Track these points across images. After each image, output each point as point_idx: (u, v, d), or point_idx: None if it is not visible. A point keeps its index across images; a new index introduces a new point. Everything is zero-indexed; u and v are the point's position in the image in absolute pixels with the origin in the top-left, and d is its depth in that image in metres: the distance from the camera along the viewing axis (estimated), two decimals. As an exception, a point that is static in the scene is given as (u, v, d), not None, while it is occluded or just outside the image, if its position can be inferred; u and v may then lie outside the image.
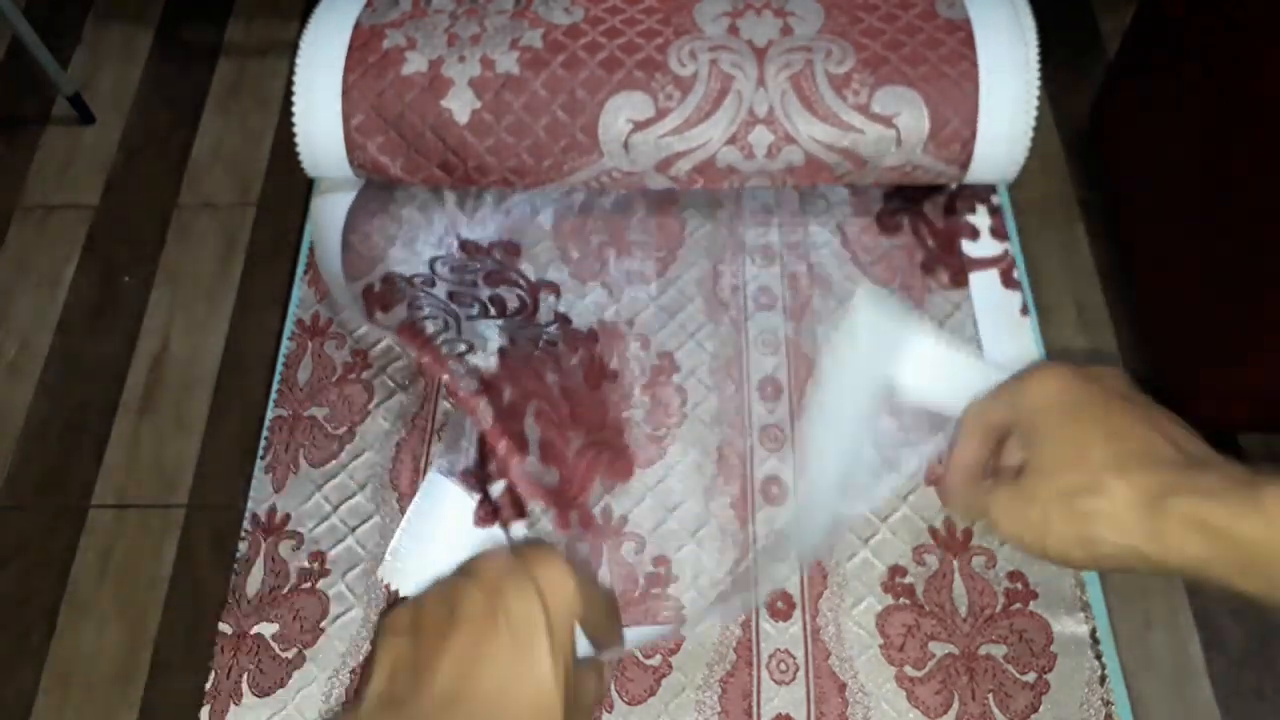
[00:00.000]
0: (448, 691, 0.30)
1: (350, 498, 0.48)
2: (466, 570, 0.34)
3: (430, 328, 0.47)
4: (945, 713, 0.42)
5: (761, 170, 0.48)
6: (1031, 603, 0.44)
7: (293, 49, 0.48)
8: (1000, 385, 0.38)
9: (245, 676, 0.43)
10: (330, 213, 0.53)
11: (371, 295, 0.51)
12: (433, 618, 0.32)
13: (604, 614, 0.36)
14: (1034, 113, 0.46)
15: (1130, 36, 1.25)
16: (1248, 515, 0.30)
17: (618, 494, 0.47)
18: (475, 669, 0.31)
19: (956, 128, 0.46)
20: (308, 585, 0.46)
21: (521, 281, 0.53)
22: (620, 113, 0.46)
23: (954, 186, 0.54)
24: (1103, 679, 0.42)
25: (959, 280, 0.52)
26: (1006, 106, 0.46)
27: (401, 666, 0.32)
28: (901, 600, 0.44)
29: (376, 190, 0.55)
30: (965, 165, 0.48)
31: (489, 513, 0.42)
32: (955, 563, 0.45)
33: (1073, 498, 0.33)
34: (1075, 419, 0.35)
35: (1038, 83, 0.46)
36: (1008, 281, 0.52)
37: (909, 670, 0.43)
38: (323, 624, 0.45)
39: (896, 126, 0.46)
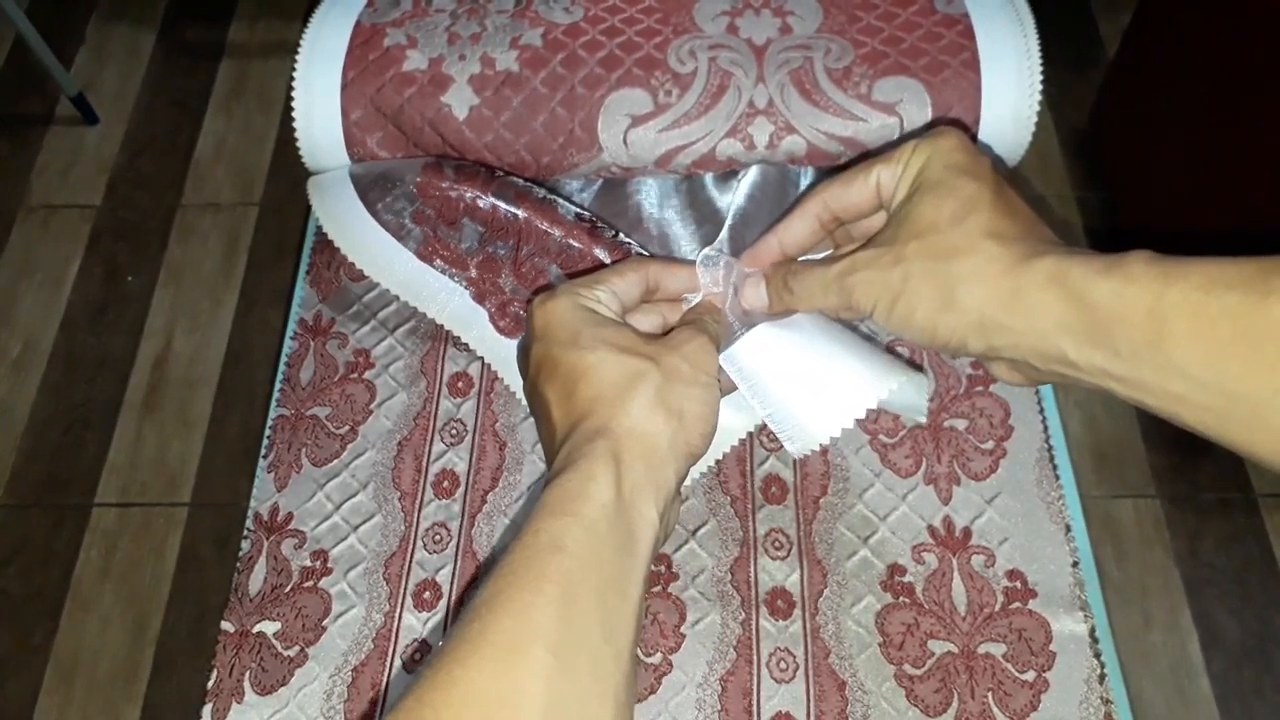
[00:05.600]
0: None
1: (352, 497, 0.48)
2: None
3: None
4: (944, 711, 0.42)
5: (763, 162, 0.48)
6: (1030, 601, 0.44)
7: (295, 50, 0.49)
8: (865, 163, 0.37)
9: (247, 675, 0.44)
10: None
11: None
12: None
13: None
14: (1037, 93, 0.46)
15: (1129, 37, 1.25)
16: (1108, 273, 0.29)
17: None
18: (550, 422, 0.35)
19: (959, 113, 0.46)
20: (310, 584, 0.46)
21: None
22: (619, 109, 0.46)
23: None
24: (1102, 678, 0.42)
25: None
26: (1010, 88, 0.46)
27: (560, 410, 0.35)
28: (901, 599, 0.44)
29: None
30: None
31: None
32: (954, 561, 0.45)
33: (944, 260, 0.33)
34: (967, 176, 0.34)
35: (1039, 63, 0.46)
36: None
37: (908, 669, 0.43)
38: (325, 622, 0.45)
39: (899, 114, 0.46)
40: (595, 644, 0.29)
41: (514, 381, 0.48)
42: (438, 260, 0.48)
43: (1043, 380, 0.34)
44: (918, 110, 0.46)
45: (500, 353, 0.48)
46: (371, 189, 0.48)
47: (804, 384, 0.38)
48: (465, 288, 0.48)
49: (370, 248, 0.48)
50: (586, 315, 0.37)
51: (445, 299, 0.47)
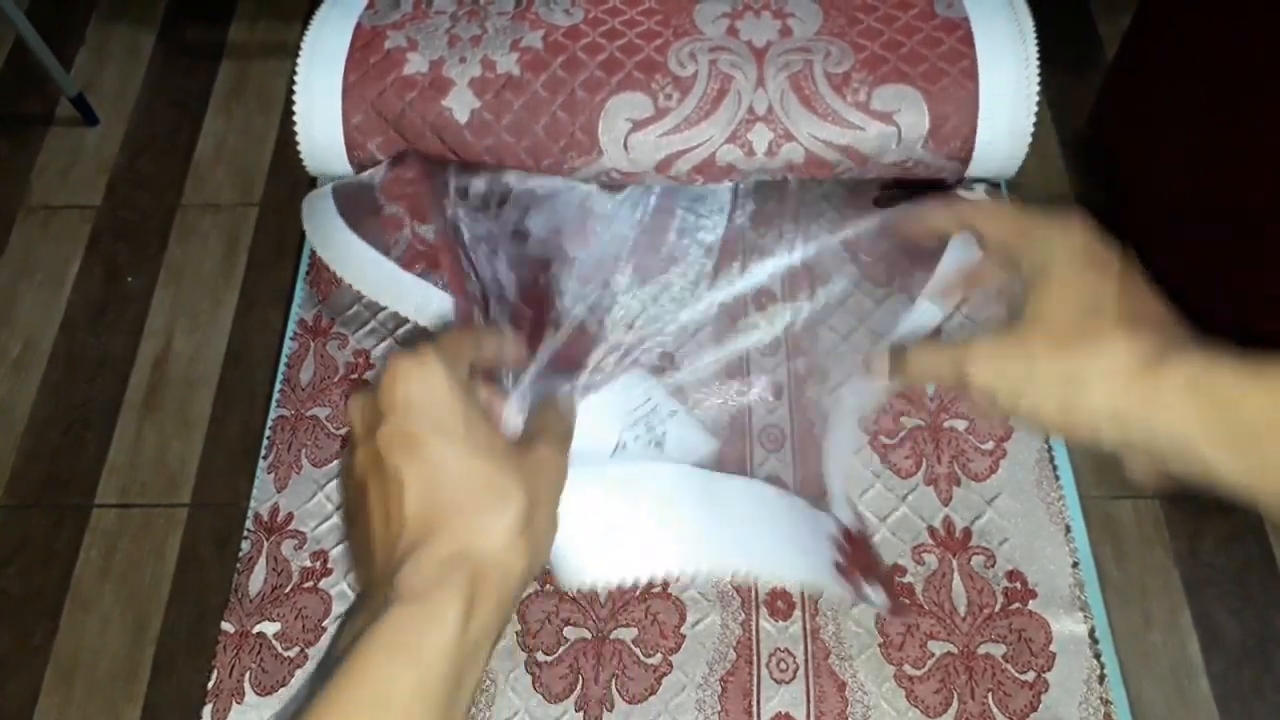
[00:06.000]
0: (391, 535, 0.31)
1: (352, 497, 0.48)
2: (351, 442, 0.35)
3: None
4: (944, 712, 0.42)
5: (761, 169, 0.48)
6: (1030, 602, 0.44)
7: (295, 50, 0.49)
8: (992, 235, 0.37)
9: (247, 675, 0.44)
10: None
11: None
12: (353, 500, 0.33)
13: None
14: (1034, 108, 0.46)
15: (1129, 39, 1.25)
16: (1254, 384, 0.29)
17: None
18: (396, 509, 0.31)
19: (956, 124, 0.46)
20: (309, 584, 0.46)
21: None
22: (620, 113, 0.46)
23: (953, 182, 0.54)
24: (1101, 678, 0.42)
25: None
26: (1006, 101, 0.46)
27: (355, 557, 0.33)
28: (901, 599, 0.44)
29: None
30: (966, 161, 0.48)
31: None
32: (954, 562, 0.45)
33: (1070, 351, 0.32)
34: (1095, 268, 0.34)
35: (1037, 77, 0.46)
36: None
37: (908, 669, 0.43)
38: (324, 623, 0.45)
39: (897, 123, 0.46)
40: None
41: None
42: (418, 266, 0.48)
43: (1180, 482, 0.33)
44: (915, 119, 0.46)
45: None
46: (350, 203, 0.49)
47: (603, 528, 0.37)
48: (445, 289, 0.47)
49: (353, 260, 0.47)
50: (463, 404, 0.33)
51: (424, 302, 0.47)
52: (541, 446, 0.35)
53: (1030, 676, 0.42)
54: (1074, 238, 0.35)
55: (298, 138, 0.49)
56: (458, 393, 0.32)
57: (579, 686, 0.43)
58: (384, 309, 0.53)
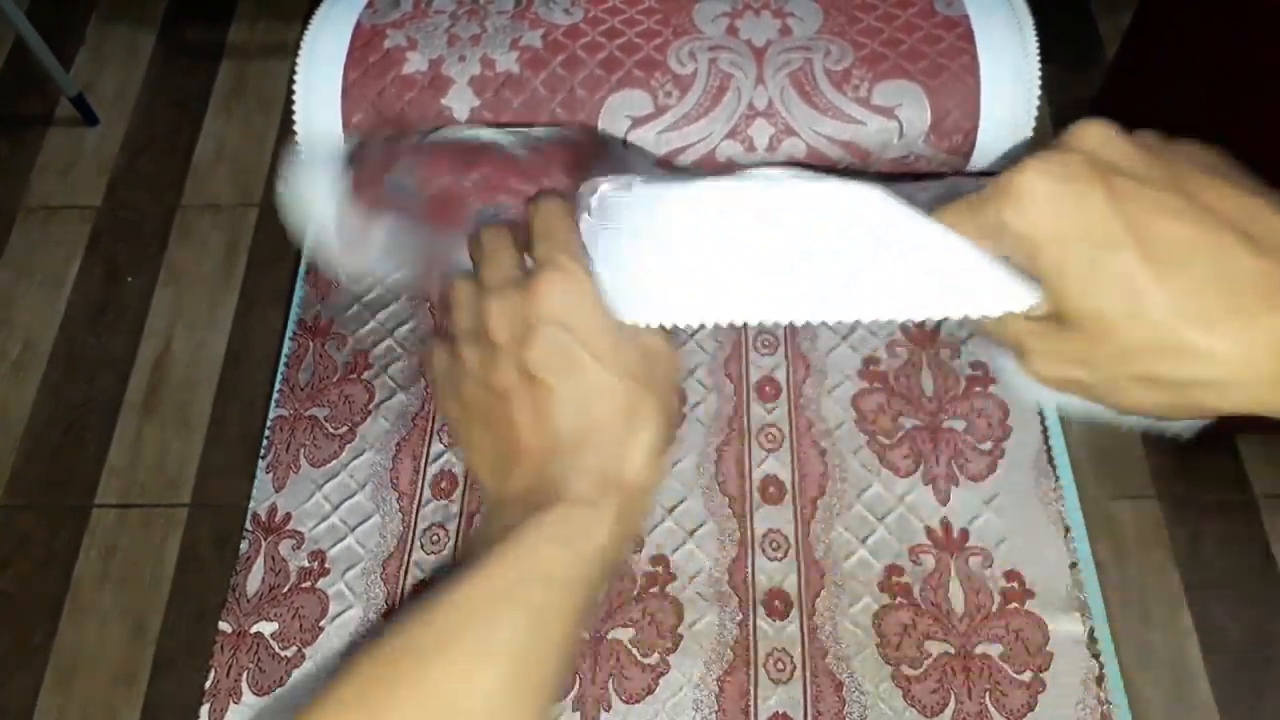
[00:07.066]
0: (542, 448, 0.31)
1: (350, 497, 0.48)
2: (478, 332, 0.33)
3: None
4: (941, 711, 0.42)
5: (762, 164, 0.48)
6: (1028, 602, 0.44)
7: (295, 50, 0.49)
8: (982, 194, 0.31)
9: (245, 675, 0.44)
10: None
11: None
12: (482, 407, 0.33)
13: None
14: (1035, 100, 0.46)
15: (1129, 37, 1.25)
16: None
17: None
18: (546, 422, 0.31)
19: (958, 118, 0.47)
20: (307, 584, 0.46)
21: None
22: (620, 110, 0.46)
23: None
24: (1100, 679, 0.42)
25: None
26: (1007, 94, 0.46)
27: (491, 465, 0.33)
28: (898, 599, 0.44)
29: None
30: (968, 155, 0.48)
31: None
32: (952, 562, 0.45)
33: (1150, 363, 0.26)
34: (1107, 249, 0.26)
35: (1038, 70, 0.46)
36: None
37: (905, 669, 0.43)
38: (322, 623, 0.45)
39: (898, 118, 0.46)
40: (550, 671, 0.29)
41: None
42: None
43: None
44: (917, 114, 0.46)
45: None
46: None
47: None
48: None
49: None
50: (611, 321, 0.33)
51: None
52: (651, 338, 0.34)
53: (1027, 676, 0.42)
54: (1056, 218, 0.28)
55: (297, 138, 0.49)
56: (603, 309, 0.33)
57: (576, 686, 0.43)
58: (383, 308, 0.53)
